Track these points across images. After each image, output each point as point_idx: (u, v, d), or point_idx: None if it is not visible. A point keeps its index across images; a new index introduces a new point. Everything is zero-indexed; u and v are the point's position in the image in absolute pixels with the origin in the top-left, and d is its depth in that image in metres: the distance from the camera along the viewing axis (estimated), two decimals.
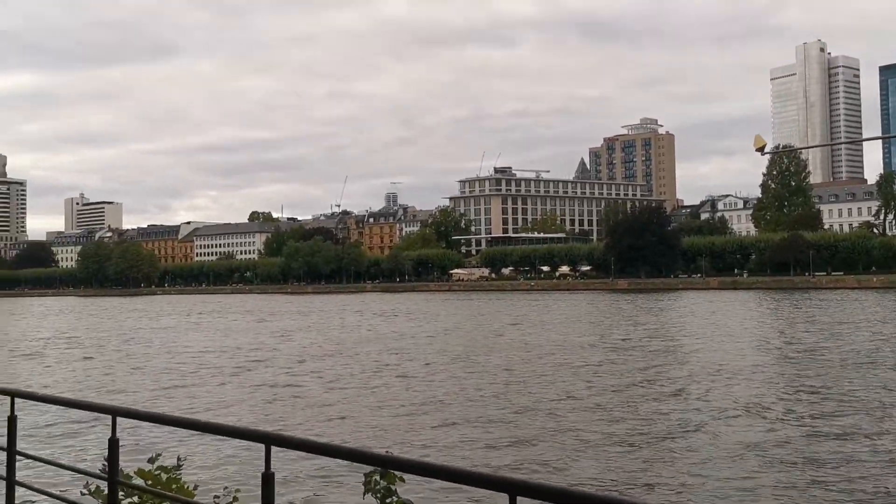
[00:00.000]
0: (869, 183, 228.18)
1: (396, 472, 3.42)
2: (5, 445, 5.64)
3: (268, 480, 3.44)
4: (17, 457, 5.66)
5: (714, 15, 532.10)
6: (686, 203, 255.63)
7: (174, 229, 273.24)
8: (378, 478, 3.51)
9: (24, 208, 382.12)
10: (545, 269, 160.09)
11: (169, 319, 71.07)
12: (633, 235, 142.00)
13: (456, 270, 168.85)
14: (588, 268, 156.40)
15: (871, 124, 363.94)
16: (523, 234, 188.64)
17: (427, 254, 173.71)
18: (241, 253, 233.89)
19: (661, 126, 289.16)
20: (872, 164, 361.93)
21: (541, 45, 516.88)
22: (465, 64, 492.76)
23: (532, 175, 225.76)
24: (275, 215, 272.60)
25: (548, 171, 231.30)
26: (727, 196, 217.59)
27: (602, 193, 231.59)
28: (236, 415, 19.43)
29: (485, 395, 22.35)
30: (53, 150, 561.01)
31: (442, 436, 16.90)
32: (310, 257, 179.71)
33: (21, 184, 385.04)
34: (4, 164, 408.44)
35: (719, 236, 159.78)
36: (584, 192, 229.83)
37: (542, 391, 22.88)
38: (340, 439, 16.31)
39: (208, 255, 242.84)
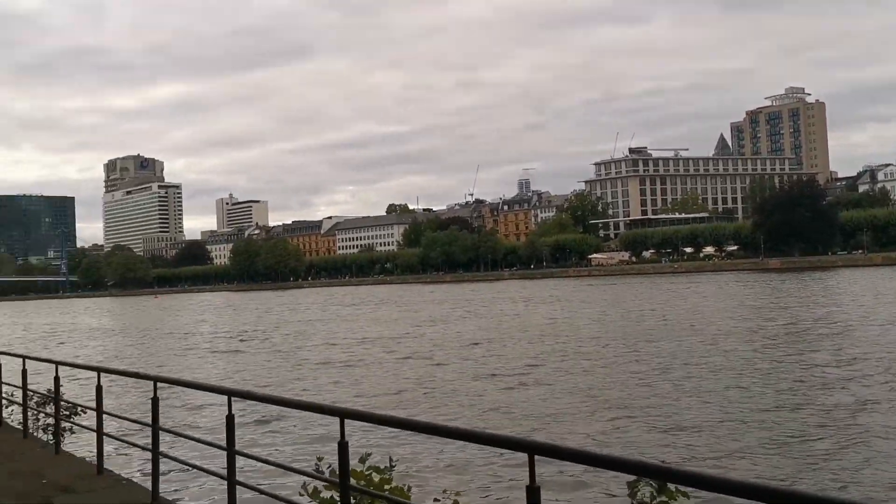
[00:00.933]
0: None
1: (676, 486, 3.13)
2: (224, 445, 5.79)
3: (534, 493, 3.21)
4: (237, 457, 5.81)
5: None
6: (840, 175, 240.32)
7: (317, 224, 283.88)
8: (649, 489, 3.24)
9: (181, 210, 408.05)
10: (688, 250, 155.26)
11: (342, 310, 73.84)
12: (784, 211, 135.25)
13: (595, 255, 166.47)
14: (734, 247, 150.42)
15: None
16: (663, 216, 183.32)
17: (564, 239, 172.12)
18: (381, 245, 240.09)
19: (809, 95, 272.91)
20: None
21: (675, 19, 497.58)
22: (595, 44, 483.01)
23: (670, 154, 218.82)
24: (410, 207, 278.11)
25: (686, 150, 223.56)
26: (888, 165, 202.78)
27: (746, 169, 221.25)
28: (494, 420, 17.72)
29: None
30: (204, 154, 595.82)
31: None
32: (447, 247, 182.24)
33: (177, 187, 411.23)
34: (162, 170, 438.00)
35: (881, 209, 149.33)
36: (727, 169, 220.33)
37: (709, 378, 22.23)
38: (600, 443, 14.76)
39: (350, 247, 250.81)
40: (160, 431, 6.93)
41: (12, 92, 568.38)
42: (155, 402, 6.88)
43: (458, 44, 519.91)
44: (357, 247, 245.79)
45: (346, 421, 4.43)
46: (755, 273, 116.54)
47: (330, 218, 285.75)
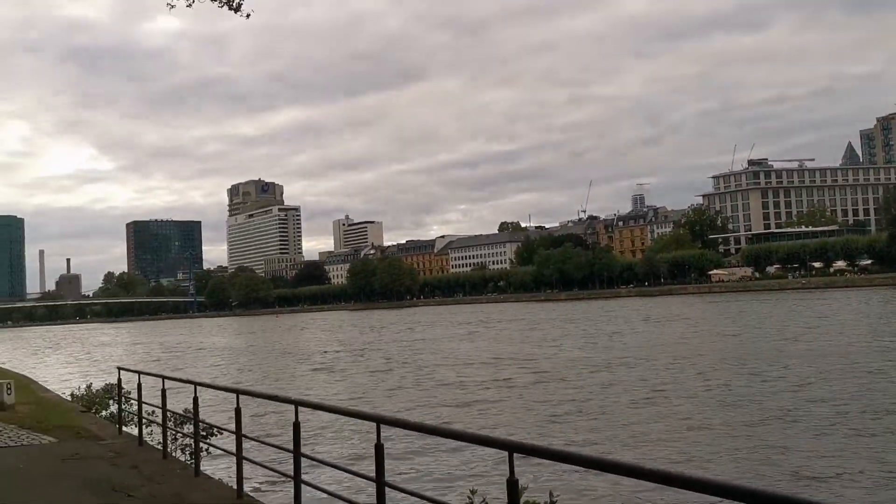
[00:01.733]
0: None
1: None
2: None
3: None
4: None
5: None
6: None
7: (430, 243, 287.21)
8: None
9: (300, 232, 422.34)
10: (817, 265, 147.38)
11: (466, 329, 74.09)
12: None
13: (715, 271, 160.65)
14: (869, 262, 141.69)
15: None
16: (788, 230, 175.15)
17: (683, 255, 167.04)
18: (493, 263, 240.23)
19: None
20: None
21: (796, 23, 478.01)
22: (710, 54, 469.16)
23: (794, 165, 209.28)
24: (523, 224, 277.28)
25: (812, 160, 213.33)
26: None
27: (879, 179, 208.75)
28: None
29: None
30: (321, 177, 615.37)
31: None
32: (561, 264, 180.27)
33: (296, 210, 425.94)
34: (282, 193, 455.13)
35: None
36: (857, 179, 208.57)
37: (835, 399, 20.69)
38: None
39: (462, 266, 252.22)
40: (301, 458, 6.86)
41: (145, 124, 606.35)
42: (296, 427, 6.81)
43: (568, 59, 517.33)
44: (470, 265, 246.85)
45: (515, 455, 4.05)
46: (893, 288, 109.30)
47: (443, 237, 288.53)
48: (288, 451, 7.01)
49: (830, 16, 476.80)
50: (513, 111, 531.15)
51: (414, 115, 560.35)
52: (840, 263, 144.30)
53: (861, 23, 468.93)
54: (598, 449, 16.18)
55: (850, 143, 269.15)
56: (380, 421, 5.48)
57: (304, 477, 6.89)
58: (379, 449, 5.35)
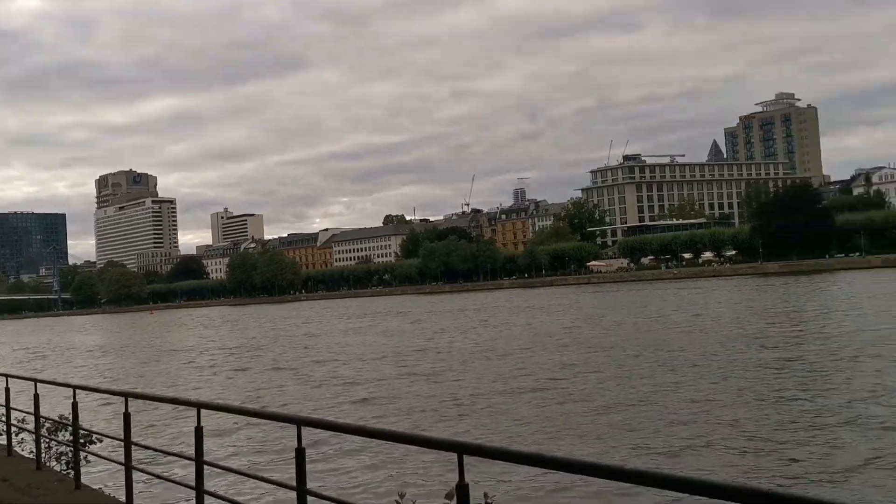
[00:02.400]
0: None
1: None
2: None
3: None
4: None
5: None
6: (833, 179, 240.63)
7: (313, 237, 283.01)
8: None
9: (175, 225, 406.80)
10: (687, 256, 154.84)
11: (351, 323, 72.87)
12: (782, 216, 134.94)
13: (594, 263, 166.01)
14: (733, 252, 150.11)
15: None
16: (661, 222, 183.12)
17: (563, 247, 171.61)
18: (378, 256, 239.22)
19: (799, 100, 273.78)
20: None
21: (667, 26, 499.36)
22: (588, 53, 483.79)
23: (666, 160, 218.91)
24: (407, 217, 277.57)
25: (682, 156, 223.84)
26: (881, 168, 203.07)
27: (741, 174, 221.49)
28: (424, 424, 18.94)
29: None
30: (197, 168, 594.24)
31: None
32: (446, 257, 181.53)
33: (171, 202, 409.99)
34: (155, 185, 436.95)
35: (878, 211, 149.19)
36: (723, 175, 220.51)
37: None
38: (532, 443, 15.66)
39: (346, 259, 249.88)
40: (205, 465, 6.14)
41: (2, 109, 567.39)
42: (199, 431, 6.08)
43: (450, 53, 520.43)
44: (354, 259, 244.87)
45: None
46: (755, 277, 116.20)
47: (326, 230, 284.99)
48: (188, 458, 6.29)
49: (698, 19, 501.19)
50: (395, 104, 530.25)
51: (295, 106, 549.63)
52: (708, 254, 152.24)
53: (725, 27, 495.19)
54: (508, 440, 15.96)
55: (714, 140, 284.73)
56: (301, 423, 5.01)
57: (207, 487, 6.16)
58: (300, 454, 4.87)
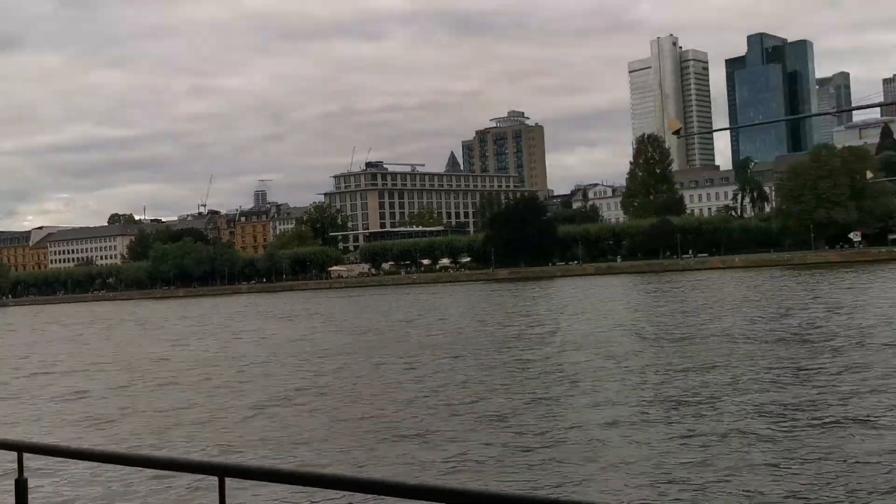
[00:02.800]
0: (721, 169, 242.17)
1: None
2: None
3: None
4: None
5: (576, 10, 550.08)
6: (556, 193, 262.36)
7: (24, 235, 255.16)
8: None
9: None
10: (425, 262, 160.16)
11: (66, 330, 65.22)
12: (512, 226, 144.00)
13: (335, 267, 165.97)
14: (468, 259, 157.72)
15: (721, 114, 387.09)
16: (402, 229, 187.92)
17: (304, 251, 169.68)
18: (102, 258, 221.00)
19: (528, 119, 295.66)
20: (721, 152, 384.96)
21: (410, 39, 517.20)
22: (334, 58, 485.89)
23: (407, 169, 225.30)
24: (137, 217, 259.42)
25: (423, 165, 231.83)
26: (596, 185, 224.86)
27: (477, 186, 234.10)
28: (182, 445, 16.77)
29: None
30: None
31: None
32: (180, 259, 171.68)
33: None
34: None
35: (593, 224, 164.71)
36: (460, 185, 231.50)
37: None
38: (298, 462, 14.41)
39: (65, 261, 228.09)
40: None
41: None
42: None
43: (189, 46, 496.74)
44: (74, 260, 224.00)
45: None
46: (487, 282, 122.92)
47: (40, 228, 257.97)
48: None
49: (440, 35, 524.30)
50: (126, 95, 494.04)
51: (7, 91, 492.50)
52: (445, 261, 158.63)
53: (464, 44, 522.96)
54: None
55: (452, 152, 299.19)
56: (22, 449, 4.01)
57: None
58: (21, 486, 3.96)
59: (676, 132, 29.76)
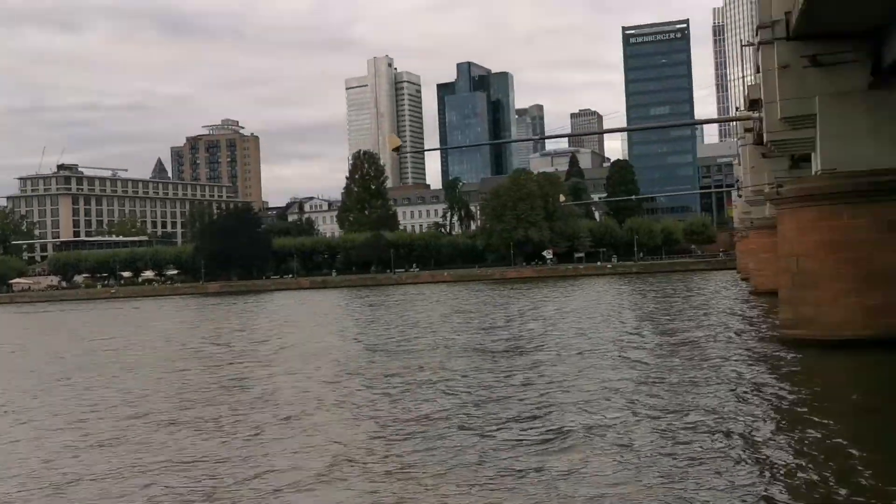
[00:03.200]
0: (433, 188, 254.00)
1: None
2: None
3: None
4: None
5: (297, 22, 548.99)
6: (271, 205, 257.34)
7: None
8: None
9: None
10: (126, 274, 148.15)
11: None
12: (224, 237, 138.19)
13: (18, 280, 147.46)
14: (175, 272, 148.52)
15: (432, 135, 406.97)
16: (99, 238, 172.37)
17: None
18: None
19: (243, 128, 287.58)
20: (432, 172, 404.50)
21: (113, 34, 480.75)
22: (24, 49, 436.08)
23: (107, 174, 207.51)
24: None
25: (126, 171, 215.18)
26: (312, 198, 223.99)
27: (186, 194, 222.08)
28: None
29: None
30: None
31: None
32: None
33: None
34: None
35: (308, 237, 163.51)
36: (167, 193, 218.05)
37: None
38: None
39: None
40: None
41: None
42: None
43: None
44: None
45: None
46: (197, 296, 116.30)
47: None
48: None
49: (146, 33, 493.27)
50: None
51: None
52: (149, 273, 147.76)
53: (174, 45, 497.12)
54: None
55: (159, 158, 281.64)
56: None
57: None
58: None
59: (396, 149, 29.64)
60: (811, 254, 23.16)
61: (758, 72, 28.06)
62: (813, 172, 24.36)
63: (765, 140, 25.30)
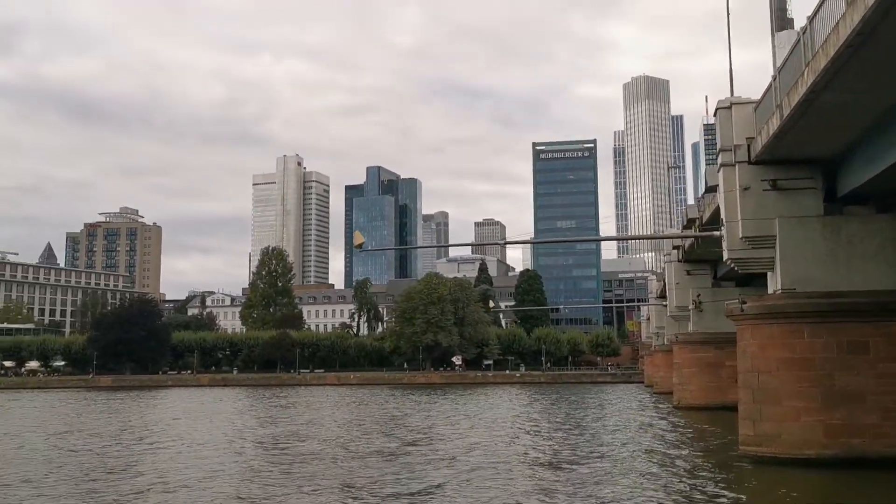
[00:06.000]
0: (336, 288, 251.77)
1: None
2: None
3: None
4: None
5: (205, 115, 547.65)
6: (168, 298, 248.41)
7: None
8: None
9: None
10: (8, 364, 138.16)
11: None
12: (120, 328, 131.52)
13: None
14: (62, 363, 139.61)
15: (337, 234, 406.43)
16: None
17: None
18: None
19: (143, 217, 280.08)
20: (336, 272, 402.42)
21: (13, 114, 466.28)
22: None
23: None
24: None
25: (16, 254, 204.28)
26: (213, 293, 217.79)
27: (80, 282, 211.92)
28: None
29: None
30: None
31: None
32: None
33: None
34: None
35: (210, 332, 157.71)
36: (59, 280, 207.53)
37: None
38: None
39: None
40: None
41: None
42: None
43: None
44: None
45: None
46: (86, 391, 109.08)
47: None
48: None
49: (48, 116, 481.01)
50: None
51: None
52: (33, 364, 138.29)
53: (76, 130, 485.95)
54: None
55: (49, 243, 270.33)
56: None
57: None
58: None
59: (358, 245, 30.33)
60: (773, 370, 23.56)
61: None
62: (771, 291, 25.10)
63: (725, 257, 26.06)
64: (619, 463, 25.64)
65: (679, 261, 50.17)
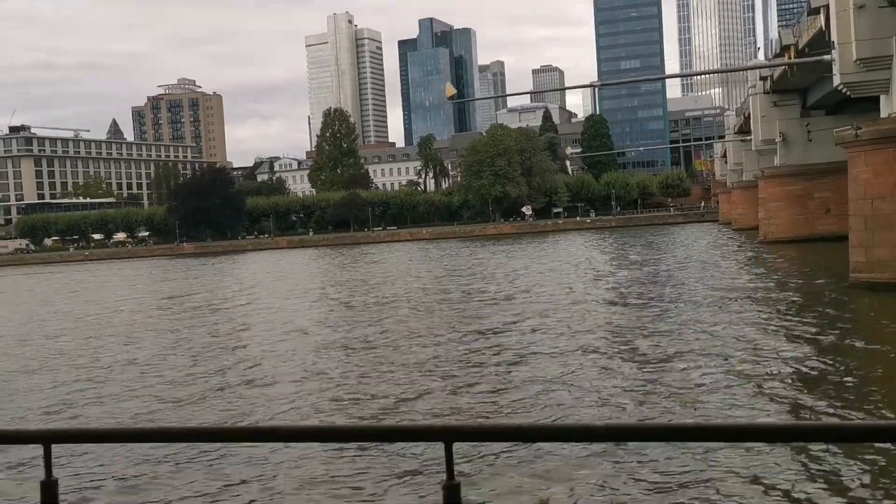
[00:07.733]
0: (398, 146, 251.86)
1: None
2: None
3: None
4: None
5: None
6: (235, 165, 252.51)
7: None
8: None
9: None
10: (97, 237, 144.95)
11: None
12: (197, 198, 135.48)
13: None
14: (146, 233, 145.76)
15: (394, 92, 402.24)
16: (66, 200, 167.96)
17: None
18: None
19: (200, 87, 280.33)
20: (394, 129, 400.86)
21: None
22: None
23: (69, 134, 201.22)
24: None
25: (88, 131, 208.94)
26: (279, 158, 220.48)
27: (150, 155, 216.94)
28: None
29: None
30: None
31: None
32: None
33: None
34: None
35: (283, 196, 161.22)
36: (131, 154, 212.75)
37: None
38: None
39: None
40: None
41: None
42: None
43: None
44: None
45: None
46: (173, 258, 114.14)
47: None
48: None
49: None
50: None
51: None
52: (120, 235, 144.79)
53: (128, 3, 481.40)
54: None
55: (114, 119, 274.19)
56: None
57: None
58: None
59: (451, 97, 30.04)
60: (887, 196, 23.30)
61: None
62: (885, 115, 24.39)
63: (836, 82, 25.19)
64: (736, 291, 26.21)
65: (766, 92, 48.54)
